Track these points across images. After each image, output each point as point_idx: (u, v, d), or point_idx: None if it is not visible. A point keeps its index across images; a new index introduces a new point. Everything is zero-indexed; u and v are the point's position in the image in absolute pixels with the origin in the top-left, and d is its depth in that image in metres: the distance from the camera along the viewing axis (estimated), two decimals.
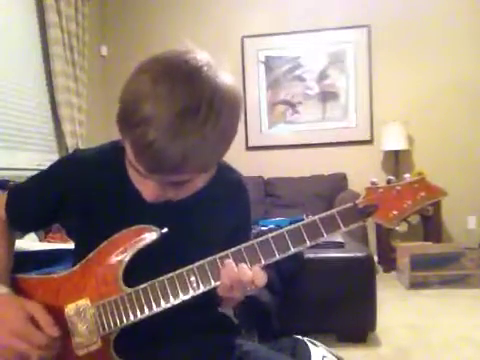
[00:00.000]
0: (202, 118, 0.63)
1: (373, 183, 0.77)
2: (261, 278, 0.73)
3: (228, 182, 0.90)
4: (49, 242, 1.89)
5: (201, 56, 0.68)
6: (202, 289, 0.75)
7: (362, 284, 2.16)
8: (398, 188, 0.76)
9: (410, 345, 2.18)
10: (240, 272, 0.73)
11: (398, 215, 0.76)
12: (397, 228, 0.80)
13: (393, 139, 3.64)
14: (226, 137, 0.70)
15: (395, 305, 2.77)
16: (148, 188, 0.71)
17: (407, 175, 0.77)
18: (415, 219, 0.81)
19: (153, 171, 0.68)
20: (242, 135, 4.00)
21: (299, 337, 0.93)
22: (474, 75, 3.77)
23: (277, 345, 0.93)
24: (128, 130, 0.66)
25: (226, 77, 0.69)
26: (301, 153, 3.98)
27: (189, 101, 0.63)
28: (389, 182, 0.77)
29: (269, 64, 4.02)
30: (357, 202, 0.76)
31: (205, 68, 0.66)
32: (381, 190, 0.76)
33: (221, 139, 0.69)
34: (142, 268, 0.77)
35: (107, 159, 0.85)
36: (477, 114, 3.79)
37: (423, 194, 0.75)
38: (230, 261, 0.74)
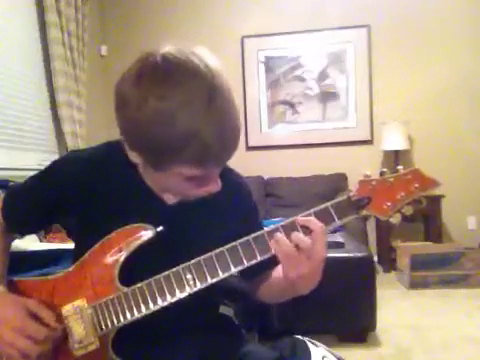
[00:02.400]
0: (220, 97, 0.68)
1: (366, 176, 0.77)
2: (322, 241, 0.72)
3: (228, 183, 0.90)
4: (49, 242, 1.89)
5: (177, 51, 0.69)
6: (199, 286, 0.74)
7: (362, 284, 2.16)
8: (391, 180, 0.76)
9: (410, 345, 2.18)
10: (295, 240, 0.71)
11: (392, 207, 0.76)
12: (391, 220, 0.80)
13: (393, 139, 3.64)
14: (237, 112, 0.75)
15: (395, 305, 2.77)
16: (172, 191, 0.73)
17: (400, 167, 0.77)
18: (409, 211, 0.81)
19: (220, 159, 0.76)
20: (242, 135, 3.97)
21: (299, 337, 0.92)
22: (474, 75, 3.77)
23: (277, 345, 0.92)
24: (177, 155, 0.68)
25: (210, 59, 0.71)
26: (301, 153, 3.98)
27: (204, 90, 0.66)
28: (382, 174, 0.77)
29: (269, 64, 4.01)
30: (350, 195, 0.76)
31: (192, 57, 0.68)
32: (374, 182, 0.76)
33: (237, 112, 0.75)
34: (142, 271, 0.77)
35: (107, 160, 0.84)
36: (477, 114, 3.79)
37: (416, 185, 0.75)
38: (280, 234, 0.72)
